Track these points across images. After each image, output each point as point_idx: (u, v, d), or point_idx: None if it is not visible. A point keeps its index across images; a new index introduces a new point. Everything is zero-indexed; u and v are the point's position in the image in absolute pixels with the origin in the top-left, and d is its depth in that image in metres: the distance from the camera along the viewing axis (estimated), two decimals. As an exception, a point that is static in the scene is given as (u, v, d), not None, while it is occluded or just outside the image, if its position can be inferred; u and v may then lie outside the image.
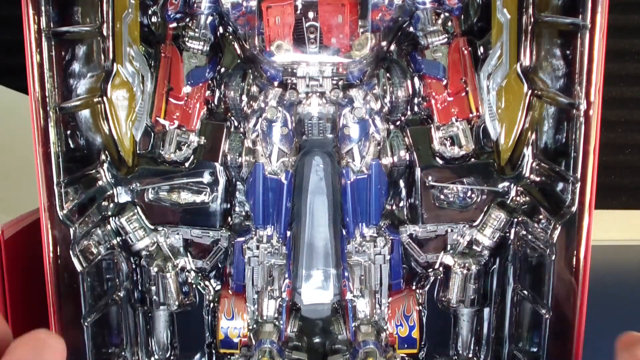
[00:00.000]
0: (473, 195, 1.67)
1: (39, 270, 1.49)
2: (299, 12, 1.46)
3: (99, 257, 1.62)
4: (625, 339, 1.00)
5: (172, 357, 1.81)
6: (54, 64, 1.43)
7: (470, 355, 1.80)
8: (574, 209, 1.45)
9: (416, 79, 1.63)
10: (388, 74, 1.62)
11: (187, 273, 1.74)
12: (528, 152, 1.62)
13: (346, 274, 1.66)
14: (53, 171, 1.45)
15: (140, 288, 1.73)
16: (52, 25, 1.41)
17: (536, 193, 1.61)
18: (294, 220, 1.64)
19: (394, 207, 1.73)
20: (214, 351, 1.81)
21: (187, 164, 1.65)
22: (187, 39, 1.62)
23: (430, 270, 1.75)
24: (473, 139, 1.63)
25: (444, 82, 1.61)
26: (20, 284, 1.67)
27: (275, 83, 1.59)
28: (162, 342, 1.78)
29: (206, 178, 1.65)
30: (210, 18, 1.61)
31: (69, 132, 1.51)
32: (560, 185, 1.51)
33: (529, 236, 1.62)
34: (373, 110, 1.59)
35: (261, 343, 1.65)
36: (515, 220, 1.66)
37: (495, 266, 1.73)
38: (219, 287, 1.79)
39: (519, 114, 1.60)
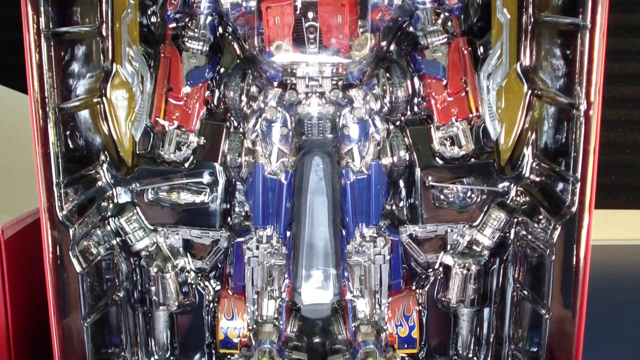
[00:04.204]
0: (473, 195, 1.67)
1: (39, 270, 1.49)
2: (298, 12, 1.46)
3: (99, 257, 1.62)
4: None
5: (172, 357, 1.81)
6: (53, 65, 1.42)
7: (470, 355, 1.80)
8: (574, 209, 1.45)
9: (416, 79, 1.63)
10: (388, 74, 1.62)
11: (186, 273, 1.73)
12: (528, 152, 1.62)
13: (346, 274, 1.66)
14: (52, 172, 1.45)
15: (140, 288, 1.73)
16: (51, 26, 1.41)
17: (536, 193, 1.61)
18: (294, 220, 1.64)
19: (394, 207, 1.73)
20: (213, 351, 1.80)
21: (186, 164, 1.64)
22: (186, 39, 1.61)
23: (430, 270, 1.75)
24: (473, 139, 1.62)
25: (444, 82, 1.60)
26: (20, 284, 1.67)
27: (275, 83, 1.58)
28: (162, 342, 1.78)
29: (206, 178, 1.64)
30: (209, 18, 1.60)
31: (68, 132, 1.51)
32: (560, 185, 1.51)
33: (529, 236, 1.62)
34: (373, 111, 1.58)
35: (261, 343, 1.65)
36: (515, 220, 1.66)
37: (495, 266, 1.73)
38: (218, 287, 1.78)
39: (519, 114, 1.60)
